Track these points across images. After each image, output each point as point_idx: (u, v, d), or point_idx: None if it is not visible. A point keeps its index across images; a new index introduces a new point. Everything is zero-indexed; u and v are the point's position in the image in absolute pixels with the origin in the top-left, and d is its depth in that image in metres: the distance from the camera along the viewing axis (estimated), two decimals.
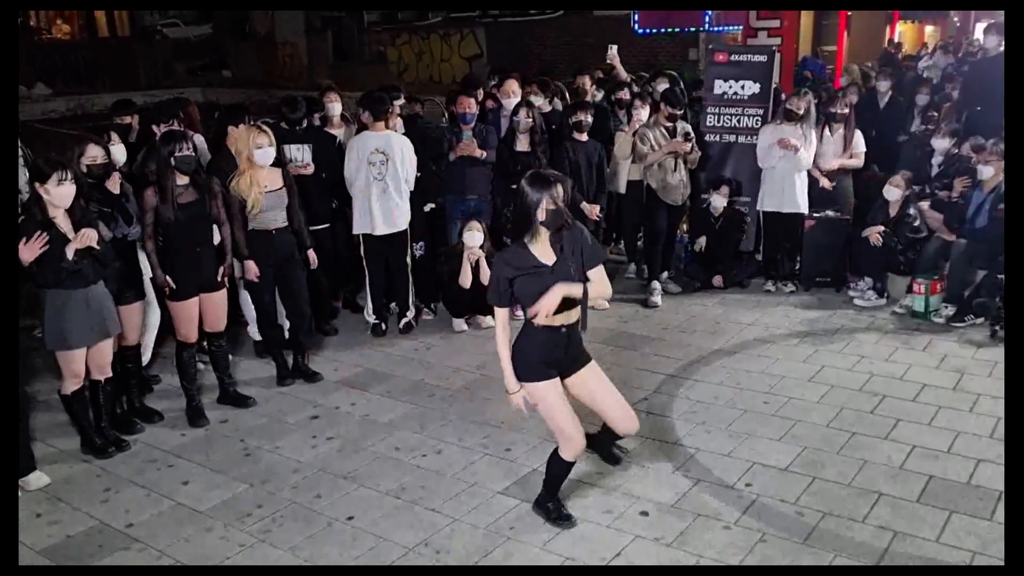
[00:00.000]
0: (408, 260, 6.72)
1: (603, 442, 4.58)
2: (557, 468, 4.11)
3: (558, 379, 3.99)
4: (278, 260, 5.68)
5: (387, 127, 6.48)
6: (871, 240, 6.93)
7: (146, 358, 5.86)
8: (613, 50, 8.72)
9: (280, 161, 5.68)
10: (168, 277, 5.12)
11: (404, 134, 6.69)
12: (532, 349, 3.92)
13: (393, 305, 7.00)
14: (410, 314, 6.86)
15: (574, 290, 3.77)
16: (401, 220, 6.57)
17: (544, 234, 3.83)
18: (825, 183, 7.46)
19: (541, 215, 3.76)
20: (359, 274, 6.89)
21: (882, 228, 6.95)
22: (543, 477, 4.21)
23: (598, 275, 3.91)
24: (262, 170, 5.49)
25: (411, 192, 6.63)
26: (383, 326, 6.80)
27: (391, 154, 6.37)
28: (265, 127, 5.62)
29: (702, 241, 7.66)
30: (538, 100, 7.72)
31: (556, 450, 4.07)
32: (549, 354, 3.93)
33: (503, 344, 3.95)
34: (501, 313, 3.94)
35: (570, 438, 3.96)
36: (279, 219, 5.63)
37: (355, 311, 7.25)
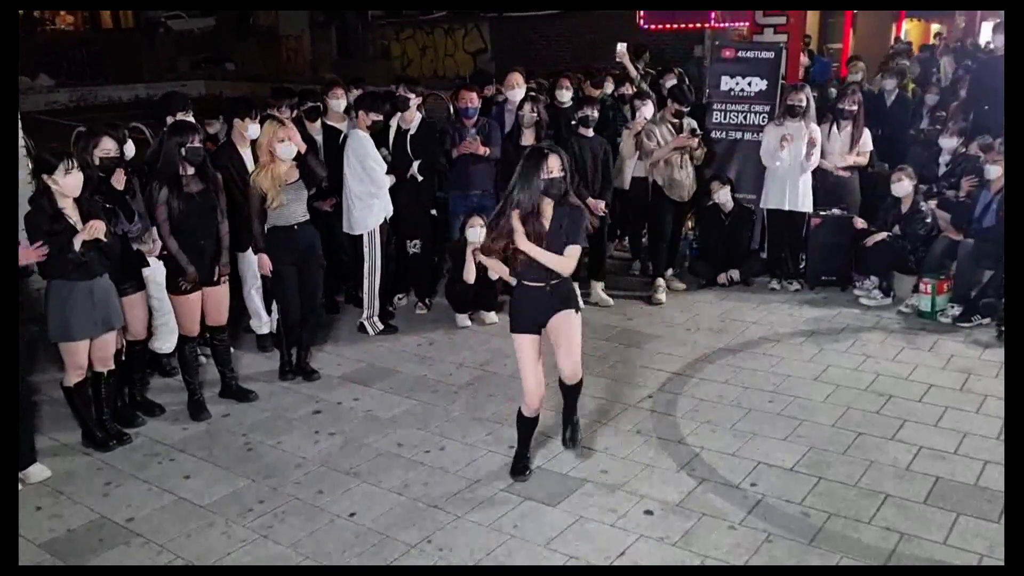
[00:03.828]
0: (368, 265, 6.51)
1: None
2: (520, 425, 4.53)
3: (538, 336, 4.38)
4: (300, 255, 5.65)
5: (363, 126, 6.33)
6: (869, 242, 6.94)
7: (171, 345, 5.78)
8: (622, 47, 8.66)
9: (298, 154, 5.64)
10: (191, 267, 5.13)
11: (417, 130, 6.70)
12: (521, 306, 4.39)
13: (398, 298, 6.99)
14: (364, 314, 6.70)
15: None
16: (353, 224, 6.44)
17: (548, 204, 4.17)
18: (841, 172, 7.43)
19: (540, 185, 4.09)
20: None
21: (884, 235, 6.93)
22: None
23: (570, 251, 4.21)
24: (283, 164, 5.46)
25: (410, 190, 6.62)
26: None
27: (347, 153, 6.32)
28: (287, 121, 5.58)
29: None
30: (566, 95, 7.56)
31: (520, 408, 4.49)
32: (534, 310, 4.35)
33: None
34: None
35: (527, 392, 4.38)
36: (299, 213, 5.61)
37: (358, 306, 7.22)
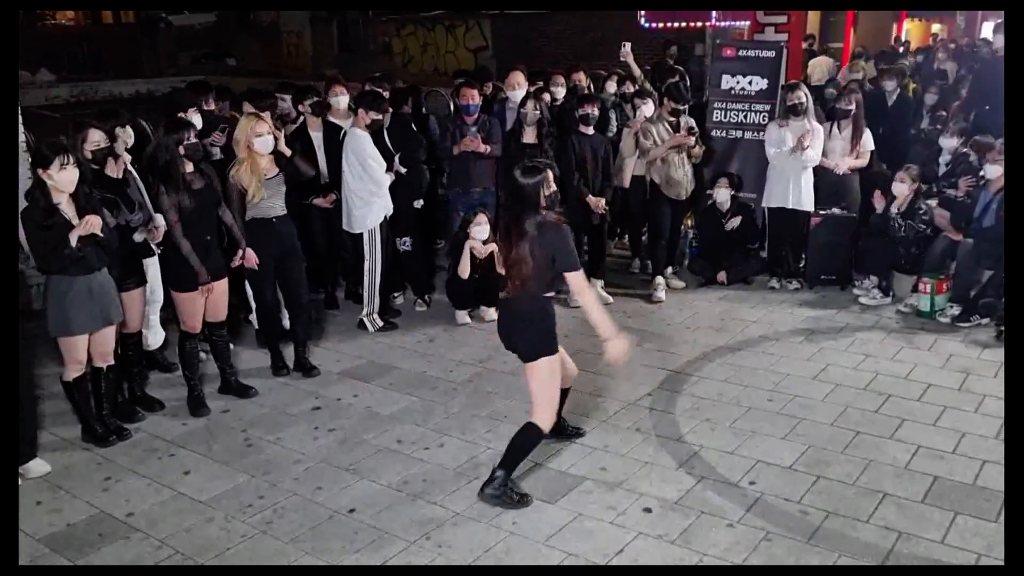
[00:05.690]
0: (369, 263, 6.51)
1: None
2: (530, 441, 4.23)
3: None
4: (280, 250, 5.65)
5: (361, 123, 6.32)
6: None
7: (159, 340, 5.82)
8: (627, 48, 8.67)
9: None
10: (202, 267, 5.12)
11: (389, 127, 6.69)
12: (549, 322, 4.19)
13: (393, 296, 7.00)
14: (364, 311, 6.70)
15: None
16: (353, 223, 6.45)
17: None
18: (841, 167, 7.40)
19: (543, 200, 4.07)
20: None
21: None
22: (505, 455, 4.24)
23: (576, 279, 4.11)
24: (262, 158, 5.47)
25: (399, 188, 6.63)
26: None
27: (346, 152, 6.31)
28: (263, 115, 5.58)
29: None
30: (560, 92, 7.64)
31: (531, 424, 4.18)
32: (554, 324, 4.24)
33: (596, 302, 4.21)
34: (581, 275, 4.14)
35: (554, 410, 4.30)
36: (278, 207, 5.60)
37: (357, 302, 7.22)
